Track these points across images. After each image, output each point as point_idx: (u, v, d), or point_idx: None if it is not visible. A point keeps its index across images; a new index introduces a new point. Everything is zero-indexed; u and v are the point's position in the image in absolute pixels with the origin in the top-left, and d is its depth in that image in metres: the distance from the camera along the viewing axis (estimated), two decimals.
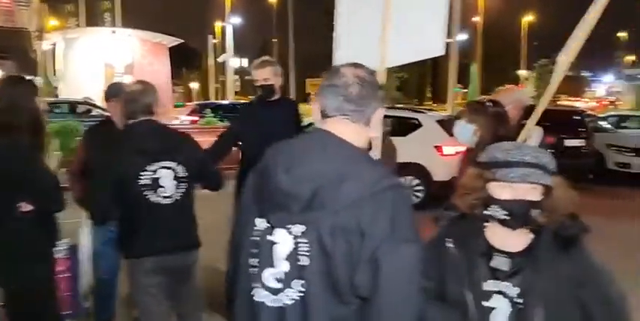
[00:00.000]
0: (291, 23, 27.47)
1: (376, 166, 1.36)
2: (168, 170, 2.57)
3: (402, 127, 7.76)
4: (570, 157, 9.42)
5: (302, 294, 1.29)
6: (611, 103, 47.20)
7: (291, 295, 1.30)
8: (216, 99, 30.01)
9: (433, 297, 1.44)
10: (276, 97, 3.56)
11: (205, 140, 3.36)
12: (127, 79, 18.57)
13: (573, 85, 72.39)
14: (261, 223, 1.36)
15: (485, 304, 1.41)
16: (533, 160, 1.42)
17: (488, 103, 2.84)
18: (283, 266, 1.32)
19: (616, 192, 9.49)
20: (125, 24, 23.12)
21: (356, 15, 1.93)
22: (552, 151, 7.77)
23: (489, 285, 1.41)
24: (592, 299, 1.39)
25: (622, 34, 61.16)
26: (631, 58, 55.76)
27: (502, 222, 1.45)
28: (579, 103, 48.80)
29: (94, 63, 20.15)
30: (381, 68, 1.85)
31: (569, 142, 9.38)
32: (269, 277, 1.34)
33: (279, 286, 1.32)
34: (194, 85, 43.48)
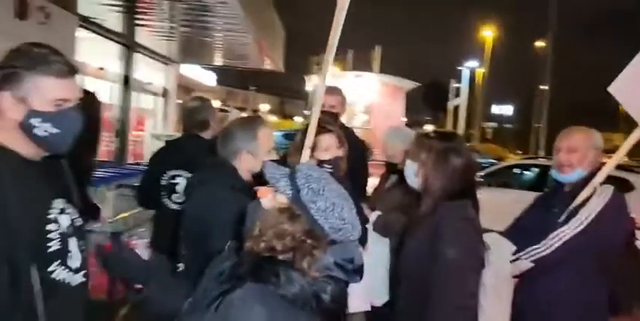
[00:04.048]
0: (549, 70, 25.13)
1: None
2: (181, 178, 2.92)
3: None
4: None
5: None
6: None
7: None
8: None
9: None
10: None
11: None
12: (364, 118, 20.03)
13: None
14: None
15: None
16: None
17: (432, 135, 2.04)
18: None
19: None
20: (385, 70, 24.60)
21: None
22: None
23: None
24: None
25: None
26: None
27: None
28: None
29: None
30: None
31: None
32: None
33: None
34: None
